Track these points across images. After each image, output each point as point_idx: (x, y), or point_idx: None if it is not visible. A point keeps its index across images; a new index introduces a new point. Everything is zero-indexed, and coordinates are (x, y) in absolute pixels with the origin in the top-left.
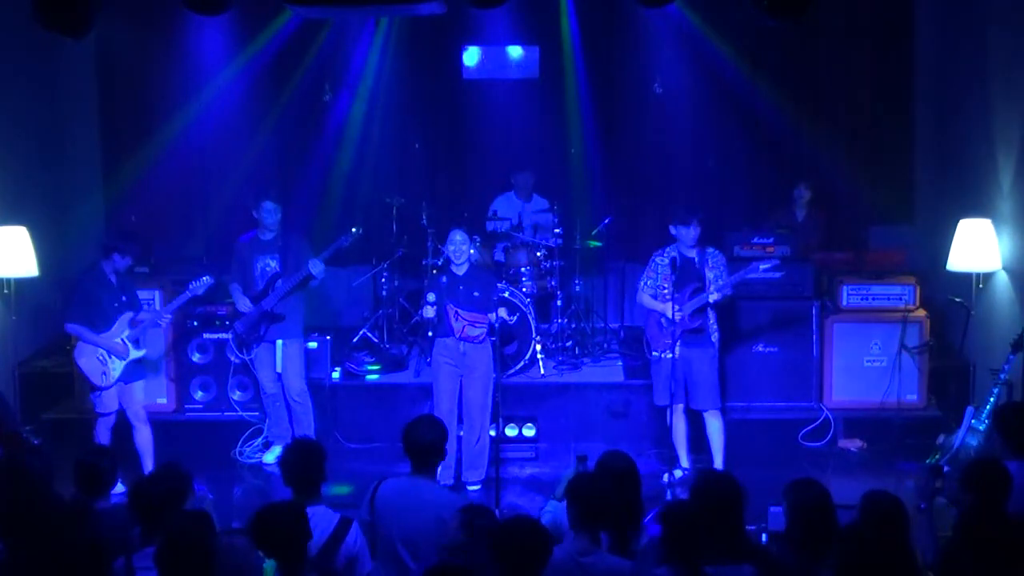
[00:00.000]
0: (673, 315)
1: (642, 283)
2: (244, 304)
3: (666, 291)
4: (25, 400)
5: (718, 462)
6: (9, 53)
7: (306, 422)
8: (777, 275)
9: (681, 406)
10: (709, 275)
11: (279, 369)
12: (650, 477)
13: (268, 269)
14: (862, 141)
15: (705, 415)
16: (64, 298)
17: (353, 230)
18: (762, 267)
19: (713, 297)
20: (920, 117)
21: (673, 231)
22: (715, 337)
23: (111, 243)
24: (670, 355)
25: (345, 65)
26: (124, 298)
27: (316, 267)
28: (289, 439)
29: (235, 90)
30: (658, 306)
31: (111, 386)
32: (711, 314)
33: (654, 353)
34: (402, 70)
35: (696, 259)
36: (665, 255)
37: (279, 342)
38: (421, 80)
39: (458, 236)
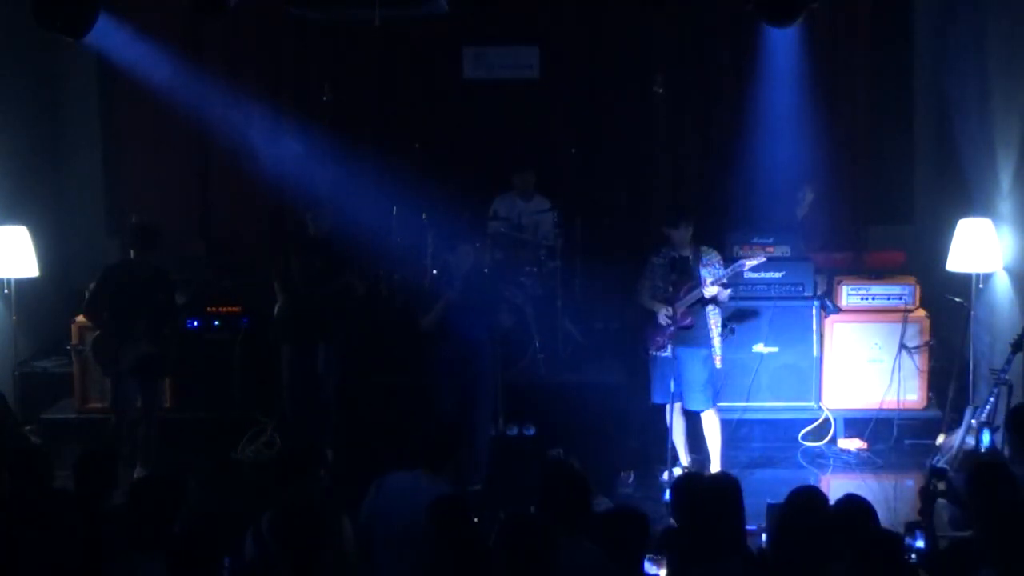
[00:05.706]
0: (670, 314)
1: (640, 284)
2: (288, 305)
3: (668, 292)
4: (25, 400)
5: (714, 464)
6: (9, 53)
7: (330, 422)
8: (778, 273)
9: (679, 404)
10: (704, 272)
11: (321, 370)
12: (650, 476)
13: (313, 271)
14: (862, 141)
15: (700, 415)
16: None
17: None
18: (748, 264)
19: (709, 292)
20: (920, 117)
21: (666, 233)
22: (713, 339)
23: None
24: (665, 353)
25: (345, 65)
26: (154, 296)
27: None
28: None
29: (236, 89)
30: (656, 306)
31: (122, 378)
32: (709, 315)
33: (651, 352)
34: (402, 70)
35: (691, 257)
36: (662, 256)
37: (321, 345)
38: (421, 80)
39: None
